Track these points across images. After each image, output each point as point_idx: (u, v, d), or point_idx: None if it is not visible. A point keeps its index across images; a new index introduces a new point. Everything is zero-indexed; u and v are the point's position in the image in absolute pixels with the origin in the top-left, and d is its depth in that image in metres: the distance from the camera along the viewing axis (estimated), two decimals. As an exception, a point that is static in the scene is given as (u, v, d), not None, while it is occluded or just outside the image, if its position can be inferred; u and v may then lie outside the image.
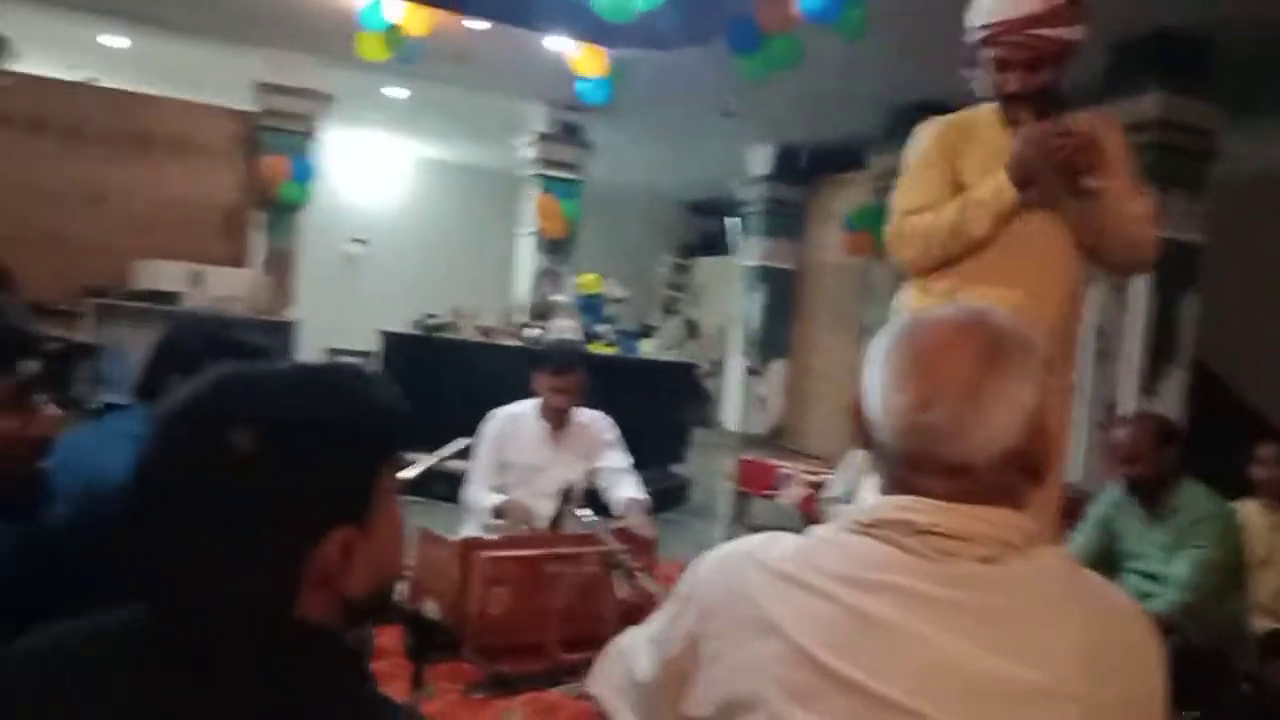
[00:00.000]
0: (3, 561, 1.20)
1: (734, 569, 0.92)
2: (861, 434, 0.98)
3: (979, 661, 0.81)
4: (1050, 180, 2.23)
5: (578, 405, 3.52)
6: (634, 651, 1.02)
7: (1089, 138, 2.20)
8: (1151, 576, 3.05)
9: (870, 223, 7.61)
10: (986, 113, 2.39)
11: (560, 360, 3.52)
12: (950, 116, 2.44)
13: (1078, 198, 2.25)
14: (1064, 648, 0.83)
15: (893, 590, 0.84)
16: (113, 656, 0.74)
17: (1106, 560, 3.14)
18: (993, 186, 2.24)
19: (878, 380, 0.94)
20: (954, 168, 2.36)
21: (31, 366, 1.09)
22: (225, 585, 0.73)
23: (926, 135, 2.44)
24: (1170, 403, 6.03)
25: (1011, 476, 0.90)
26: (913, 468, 0.90)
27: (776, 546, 0.92)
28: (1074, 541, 3.20)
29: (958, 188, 2.34)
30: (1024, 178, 2.22)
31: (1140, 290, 6.16)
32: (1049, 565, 0.89)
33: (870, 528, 0.89)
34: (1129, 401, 6.10)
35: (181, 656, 0.73)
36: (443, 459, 2.59)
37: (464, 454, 3.07)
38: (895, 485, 0.92)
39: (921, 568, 0.85)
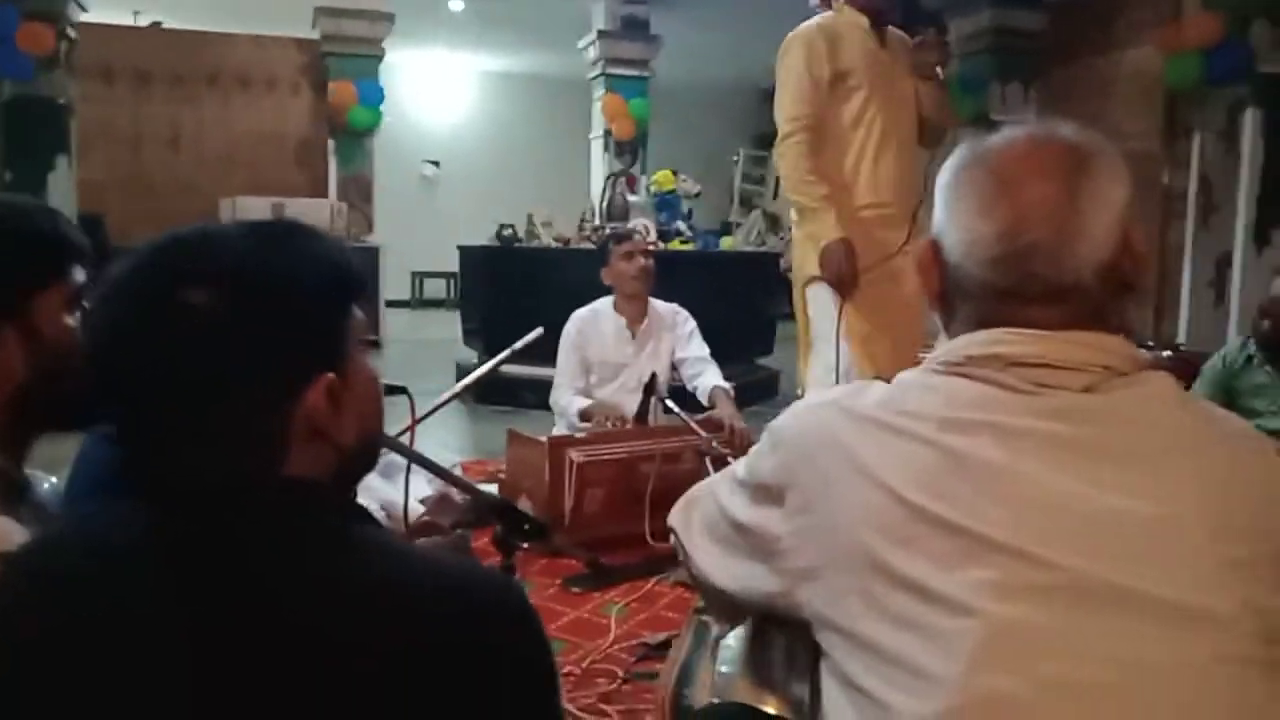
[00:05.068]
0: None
1: (822, 419, 0.87)
2: (936, 282, 0.90)
3: (1085, 496, 0.75)
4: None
5: (651, 294, 3.48)
6: (720, 491, 0.98)
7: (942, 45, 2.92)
8: (1276, 434, 2.93)
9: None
10: (846, 16, 2.84)
11: (622, 231, 3.83)
12: (814, 27, 2.82)
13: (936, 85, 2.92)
14: (1180, 475, 0.77)
15: (988, 428, 0.78)
16: (108, 560, 0.70)
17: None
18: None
19: (954, 216, 0.87)
20: (830, 68, 2.77)
21: (81, 275, 1.07)
22: (211, 453, 0.70)
23: (800, 48, 2.78)
24: (1285, 253, 5.70)
25: (1114, 292, 0.84)
26: (1011, 299, 0.84)
27: (864, 395, 0.87)
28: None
29: (836, 80, 2.78)
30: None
31: (1251, 135, 5.77)
32: (1156, 391, 0.82)
33: (959, 366, 0.83)
34: (1240, 254, 5.81)
35: (180, 539, 0.69)
36: (515, 350, 2.59)
37: (539, 353, 3.06)
38: (987, 323, 0.85)
39: (1018, 402, 0.79)
